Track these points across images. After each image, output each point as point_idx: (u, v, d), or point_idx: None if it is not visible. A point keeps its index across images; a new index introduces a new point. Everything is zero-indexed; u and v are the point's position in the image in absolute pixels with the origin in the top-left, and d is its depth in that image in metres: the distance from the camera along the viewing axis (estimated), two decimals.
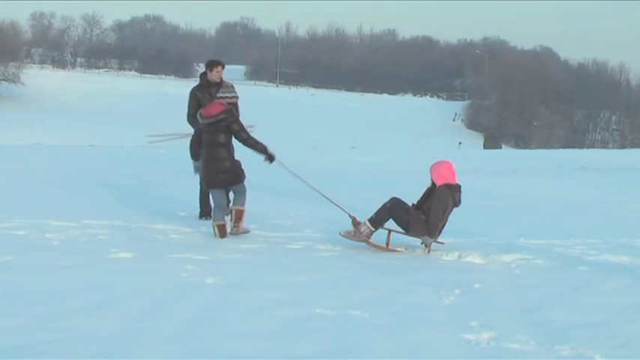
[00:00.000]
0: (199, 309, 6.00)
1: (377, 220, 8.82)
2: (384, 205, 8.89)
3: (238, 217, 9.27)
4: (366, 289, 6.86)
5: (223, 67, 10.45)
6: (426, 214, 8.77)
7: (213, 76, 10.32)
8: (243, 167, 9.35)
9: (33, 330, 5.31)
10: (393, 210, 8.83)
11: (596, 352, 5.25)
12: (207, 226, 9.97)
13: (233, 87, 10.37)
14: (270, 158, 9.33)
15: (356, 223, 8.93)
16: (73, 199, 12.09)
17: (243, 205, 9.28)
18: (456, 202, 8.88)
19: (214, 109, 9.25)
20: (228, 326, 5.50)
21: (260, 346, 5.17)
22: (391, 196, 9.08)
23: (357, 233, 8.81)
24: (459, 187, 8.92)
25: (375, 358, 5.07)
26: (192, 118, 10.19)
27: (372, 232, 8.81)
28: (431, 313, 6.09)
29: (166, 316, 5.78)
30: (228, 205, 9.44)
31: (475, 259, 8.45)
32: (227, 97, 10.00)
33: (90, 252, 8.03)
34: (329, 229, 9.41)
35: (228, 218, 9.32)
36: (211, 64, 10.42)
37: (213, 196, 9.43)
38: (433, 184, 8.90)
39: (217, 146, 9.19)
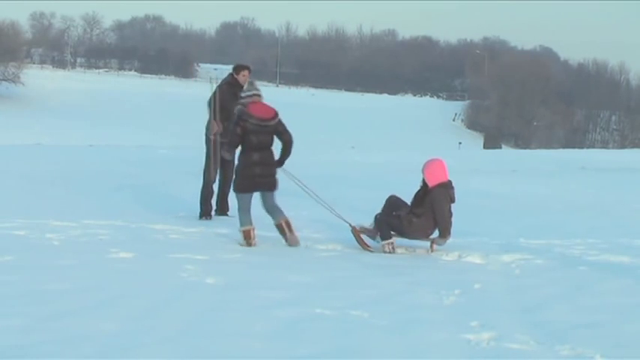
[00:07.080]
0: (199, 309, 6.00)
1: (385, 234, 8.81)
2: (376, 218, 8.87)
3: (289, 226, 8.94)
4: (366, 289, 6.85)
5: (250, 71, 10.67)
6: (419, 216, 8.74)
7: (239, 79, 10.55)
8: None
9: (33, 330, 5.31)
10: (383, 220, 8.81)
11: (596, 352, 5.24)
12: (208, 226, 9.98)
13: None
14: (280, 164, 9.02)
15: (356, 232, 8.94)
16: (73, 199, 12.10)
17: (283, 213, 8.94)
18: (452, 199, 8.87)
19: (268, 112, 8.88)
20: (228, 326, 5.50)
21: (260, 346, 5.17)
22: (389, 195, 9.07)
23: (388, 249, 8.77)
24: (451, 182, 8.91)
25: (375, 358, 5.06)
26: (215, 108, 10.31)
27: (393, 244, 8.78)
28: (431, 313, 6.09)
29: (166, 316, 5.78)
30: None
31: (475, 259, 8.45)
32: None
33: (90, 252, 8.04)
34: (329, 229, 9.40)
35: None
36: (238, 68, 10.68)
37: (243, 200, 8.94)
38: (425, 184, 8.87)
39: (269, 149, 8.92)
